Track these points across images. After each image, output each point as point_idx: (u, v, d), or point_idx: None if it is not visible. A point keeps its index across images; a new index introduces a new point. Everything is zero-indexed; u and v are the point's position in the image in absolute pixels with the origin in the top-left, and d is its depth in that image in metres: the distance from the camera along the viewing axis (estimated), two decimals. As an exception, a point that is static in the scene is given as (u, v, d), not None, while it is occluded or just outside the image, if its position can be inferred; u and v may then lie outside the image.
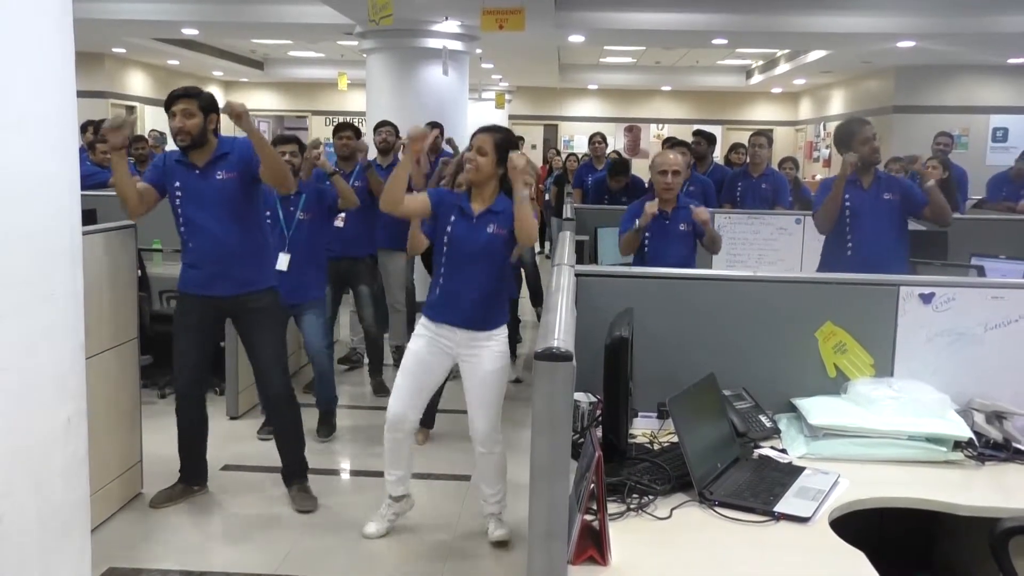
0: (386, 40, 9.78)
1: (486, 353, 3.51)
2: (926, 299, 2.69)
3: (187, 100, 3.74)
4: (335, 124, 5.96)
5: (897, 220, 4.65)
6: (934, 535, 2.75)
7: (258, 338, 3.98)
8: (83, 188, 8.08)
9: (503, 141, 3.48)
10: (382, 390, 5.71)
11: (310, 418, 4.74)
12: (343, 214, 5.36)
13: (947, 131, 8.68)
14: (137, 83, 16.99)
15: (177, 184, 3.86)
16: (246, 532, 3.84)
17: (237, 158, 3.86)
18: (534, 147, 20.36)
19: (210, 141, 3.84)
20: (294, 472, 4.10)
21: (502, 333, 3.58)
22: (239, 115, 3.60)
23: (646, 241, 4.55)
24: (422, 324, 3.62)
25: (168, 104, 3.76)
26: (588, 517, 1.89)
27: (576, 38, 11.50)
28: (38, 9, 2.03)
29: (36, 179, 2.02)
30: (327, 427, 5.04)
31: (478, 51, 11.94)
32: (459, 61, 10.27)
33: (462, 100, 10.53)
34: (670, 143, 7.73)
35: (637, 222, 4.37)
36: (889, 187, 4.66)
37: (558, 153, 15.02)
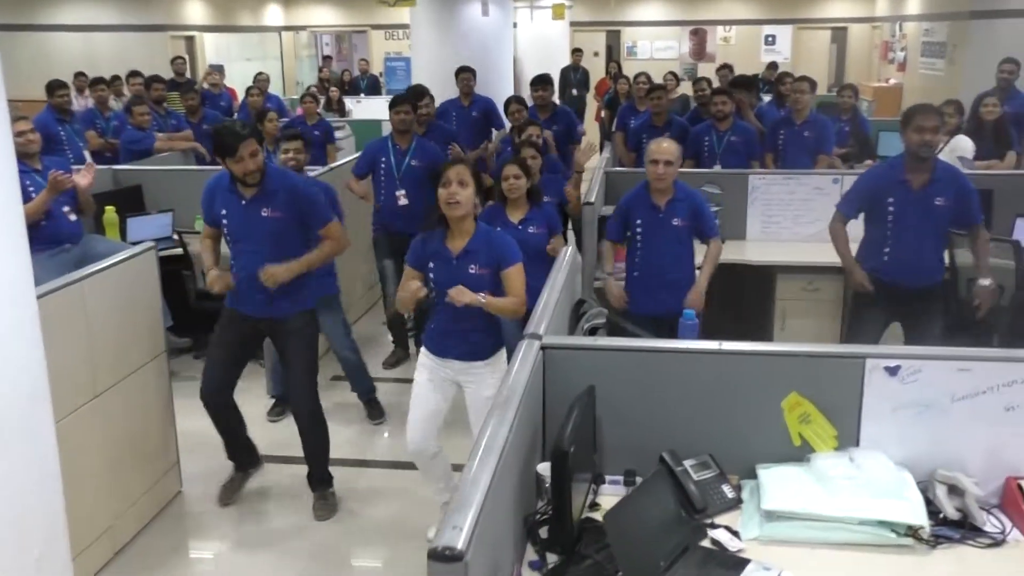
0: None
1: (486, 380, 3.64)
2: (892, 371, 2.67)
3: (249, 142, 3.78)
4: (391, 98, 6.04)
5: (943, 227, 4.42)
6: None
7: (291, 357, 4.18)
8: (126, 157, 8.02)
9: (473, 169, 3.55)
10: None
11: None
12: (403, 191, 5.67)
13: (1013, 57, 8.11)
14: (195, 12, 17.06)
15: (224, 212, 3.97)
16: (279, 531, 4.16)
17: (285, 200, 3.93)
18: (596, 54, 19.83)
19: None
20: (319, 481, 4.36)
21: (500, 357, 3.68)
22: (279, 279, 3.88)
23: (639, 235, 4.48)
24: (424, 354, 3.74)
25: (230, 150, 3.76)
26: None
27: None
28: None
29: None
30: (375, 411, 5.31)
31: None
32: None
33: (504, 36, 10.35)
34: (719, 91, 7.41)
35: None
36: (944, 191, 4.33)
37: (619, 72, 13.20)
